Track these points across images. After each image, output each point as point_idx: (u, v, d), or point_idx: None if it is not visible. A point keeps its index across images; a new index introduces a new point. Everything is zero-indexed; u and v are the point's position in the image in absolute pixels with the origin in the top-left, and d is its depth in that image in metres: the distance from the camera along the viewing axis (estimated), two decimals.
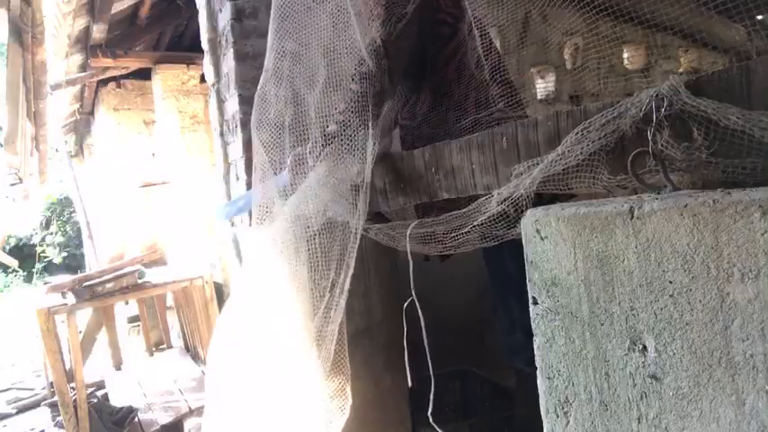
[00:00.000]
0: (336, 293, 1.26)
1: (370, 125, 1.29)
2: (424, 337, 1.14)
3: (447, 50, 1.52)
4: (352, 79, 1.35)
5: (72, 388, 2.97)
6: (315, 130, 1.36)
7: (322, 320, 1.28)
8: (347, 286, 1.25)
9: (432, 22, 1.51)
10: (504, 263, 1.57)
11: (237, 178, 2.23)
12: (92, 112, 5.72)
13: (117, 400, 3.25)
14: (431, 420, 1.12)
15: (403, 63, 1.49)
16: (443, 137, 1.36)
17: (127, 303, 4.53)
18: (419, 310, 1.15)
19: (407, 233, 1.14)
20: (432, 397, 1.13)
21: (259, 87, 1.49)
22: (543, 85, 3.41)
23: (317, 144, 1.34)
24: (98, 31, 3.84)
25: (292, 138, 1.41)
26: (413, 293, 1.16)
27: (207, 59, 2.33)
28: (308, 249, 1.31)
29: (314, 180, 1.30)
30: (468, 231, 1.02)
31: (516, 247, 0.91)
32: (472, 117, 1.40)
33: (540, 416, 0.86)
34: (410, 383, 1.19)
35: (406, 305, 1.18)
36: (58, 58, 4.10)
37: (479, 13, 1.40)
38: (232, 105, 2.16)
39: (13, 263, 6.14)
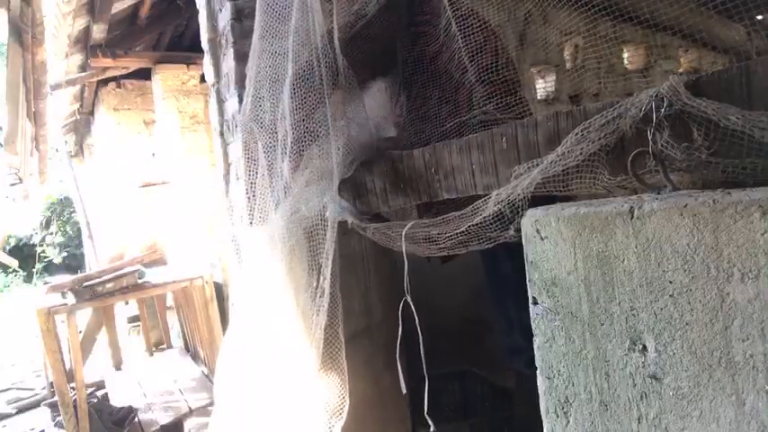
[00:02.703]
0: (317, 296, 1.27)
1: (331, 127, 1.28)
2: (420, 337, 1.14)
3: (430, 49, 1.51)
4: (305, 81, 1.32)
5: (72, 388, 2.97)
6: (290, 131, 1.35)
7: (313, 320, 1.29)
8: (328, 289, 1.25)
9: (408, 24, 1.50)
10: (502, 264, 1.56)
11: (237, 178, 2.22)
12: (92, 112, 5.71)
13: (117, 400, 3.24)
14: (428, 419, 1.12)
15: (367, 64, 1.48)
16: (438, 136, 1.36)
17: (127, 303, 4.53)
18: (414, 311, 1.15)
19: (402, 233, 1.14)
20: (426, 396, 1.13)
21: (251, 87, 1.48)
22: (543, 85, 3.40)
23: (294, 147, 1.34)
24: (98, 31, 3.83)
25: (286, 139, 1.41)
26: (407, 295, 1.16)
27: (207, 59, 2.33)
28: (307, 249, 1.31)
29: (304, 183, 1.30)
30: (466, 232, 1.02)
31: (514, 248, 0.91)
32: (462, 118, 1.39)
33: (539, 416, 0.86)
34: (404, 390, 1.19)
35: (401, 306, 1.18)
36: (58, 58, 4.10)
37: (477, 6, 1.38)
38: (232, 105, 2.16)
39: (13, 263, 6.14)
